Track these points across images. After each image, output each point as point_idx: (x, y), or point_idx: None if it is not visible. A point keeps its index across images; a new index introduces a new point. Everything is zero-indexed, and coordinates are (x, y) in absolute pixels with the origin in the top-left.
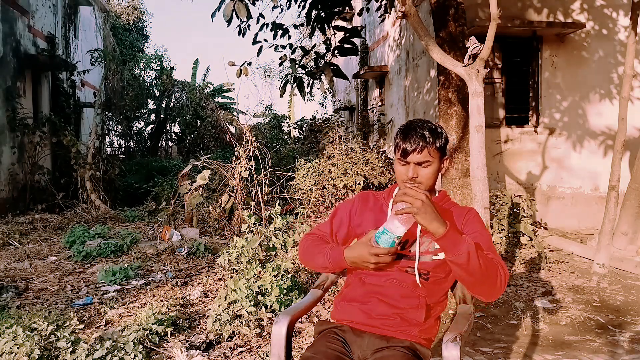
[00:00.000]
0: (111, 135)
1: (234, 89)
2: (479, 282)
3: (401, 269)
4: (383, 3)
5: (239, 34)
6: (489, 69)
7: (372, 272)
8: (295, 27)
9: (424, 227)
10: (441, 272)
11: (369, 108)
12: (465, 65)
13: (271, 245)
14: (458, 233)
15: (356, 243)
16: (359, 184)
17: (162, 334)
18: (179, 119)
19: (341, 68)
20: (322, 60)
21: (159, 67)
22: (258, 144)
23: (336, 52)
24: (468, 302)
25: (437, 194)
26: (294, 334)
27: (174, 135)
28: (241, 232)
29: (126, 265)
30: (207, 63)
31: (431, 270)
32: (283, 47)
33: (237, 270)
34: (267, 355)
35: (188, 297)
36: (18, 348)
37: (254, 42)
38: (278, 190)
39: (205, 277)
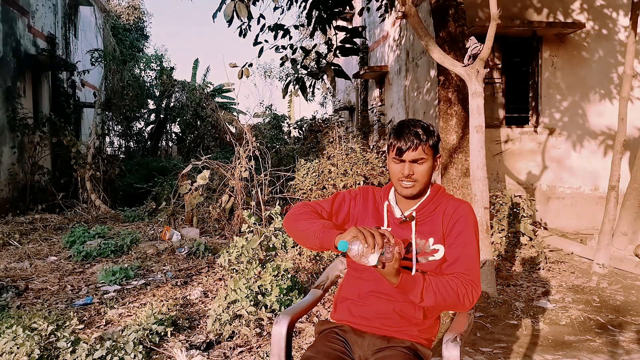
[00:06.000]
0: (111, 135)
1: (234, 89)
2: (438, 309)
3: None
4: (383, 3)
5: (239, 34)
6: (489, 69)
7: (369, 269)
8: (296, 27)
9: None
10: (437, 272)
11: (369, 108)
12: (465, 65)
13: (271, 245)
14: (410, 280)
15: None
16: (358, 184)
17: (162, 334)
18: (179, 119)
19: (342, 68)
20: (323, 61)
21: (159, 67)
22: (258, 144)
23: (337, 52)
24: None
25: (429, 190)
26: (294, 334)
27: (174, 135)
28: (241, 232)
29: (126, 265)
30: (207, 63)
31: (428, 271)
32: (284, 47)
33: (237, 270)
34: (267, 355)
35: (188, 297)
36: (18, 348)
37: (255, 43)
38: (278, 190)
39: (205, 277)
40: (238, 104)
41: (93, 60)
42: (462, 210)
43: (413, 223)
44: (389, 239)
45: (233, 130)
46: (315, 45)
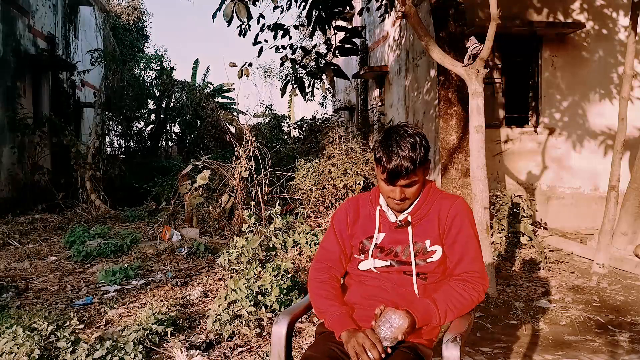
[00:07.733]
0: (111, 135)
1: (234, 89)
2: (457, 316)
3: (399, 272)
4: (383, 3)
5: (239, 34)
6: (489, 69)
7: (371, 274)
8: (296, 27)
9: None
10: (437, 272)
11: (369, 108)
12: (465, 65)
13: (271, 245)
14: (424, 316)
15: (353, 335)
16: (359, 184)
17: (162, 334)
18: (179, 119)
19: (341, 68)
20: (322, 60)
21: (159, 67)
22: (258, 144)
23: (337, 52)
24: None
25: (420, 194)
26: (294, 334)
27: (174, 135)
28: (241, 232)
29: (126, 265)
30: (207, 63)
31: (427, 272)
32: (284, 47)
33: (237, 270)
34: (267, 355)
35: (188, 297)
36: (18, 348)
37: (255, 42)
38: (278, 190)
39: (205, 277)
40: (238, 104)
41: (93, 60)
42: (457, 207)
43: (410, 228)
44: (383, 316)
45: (233, 130)
46: (315, 45)
